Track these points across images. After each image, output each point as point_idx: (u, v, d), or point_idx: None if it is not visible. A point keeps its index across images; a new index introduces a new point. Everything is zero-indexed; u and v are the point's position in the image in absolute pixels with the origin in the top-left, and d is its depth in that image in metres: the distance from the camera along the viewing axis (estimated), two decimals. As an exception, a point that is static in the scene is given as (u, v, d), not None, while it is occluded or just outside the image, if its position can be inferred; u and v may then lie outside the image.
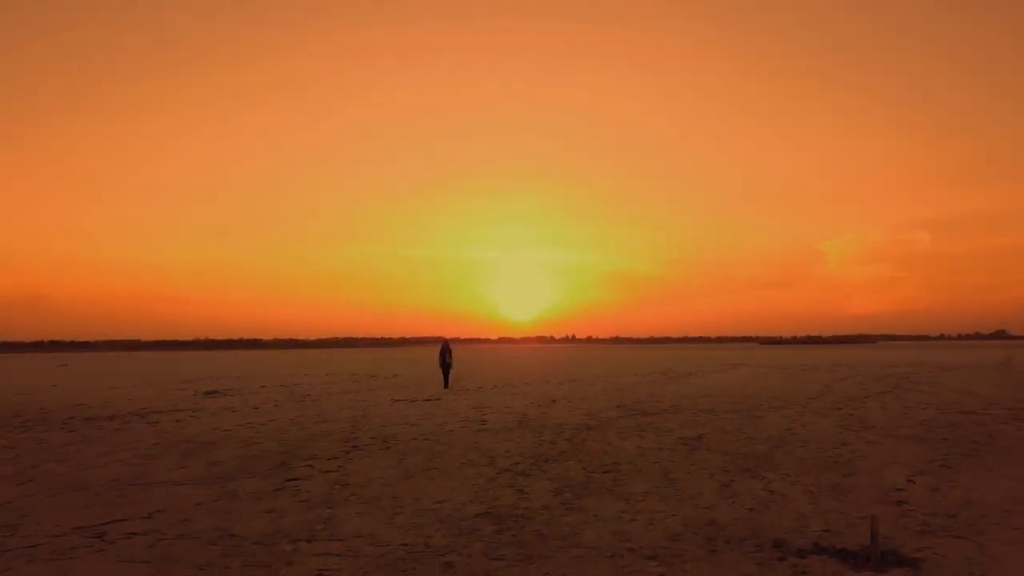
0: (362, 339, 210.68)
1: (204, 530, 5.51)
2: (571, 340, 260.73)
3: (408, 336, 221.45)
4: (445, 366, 21.69)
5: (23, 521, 5.88)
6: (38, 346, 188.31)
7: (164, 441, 10.55)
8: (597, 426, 11.73)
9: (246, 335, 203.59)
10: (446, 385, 21.41)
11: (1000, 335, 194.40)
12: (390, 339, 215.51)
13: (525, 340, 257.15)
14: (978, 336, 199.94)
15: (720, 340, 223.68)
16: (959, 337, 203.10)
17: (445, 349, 22.01)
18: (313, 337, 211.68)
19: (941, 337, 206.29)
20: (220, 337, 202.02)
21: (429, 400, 17.21)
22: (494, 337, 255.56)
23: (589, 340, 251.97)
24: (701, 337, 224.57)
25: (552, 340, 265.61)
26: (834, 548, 4.81)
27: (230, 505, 6.35)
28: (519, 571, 4.42)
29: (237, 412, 14.85)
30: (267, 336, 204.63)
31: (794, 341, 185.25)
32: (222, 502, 6.48)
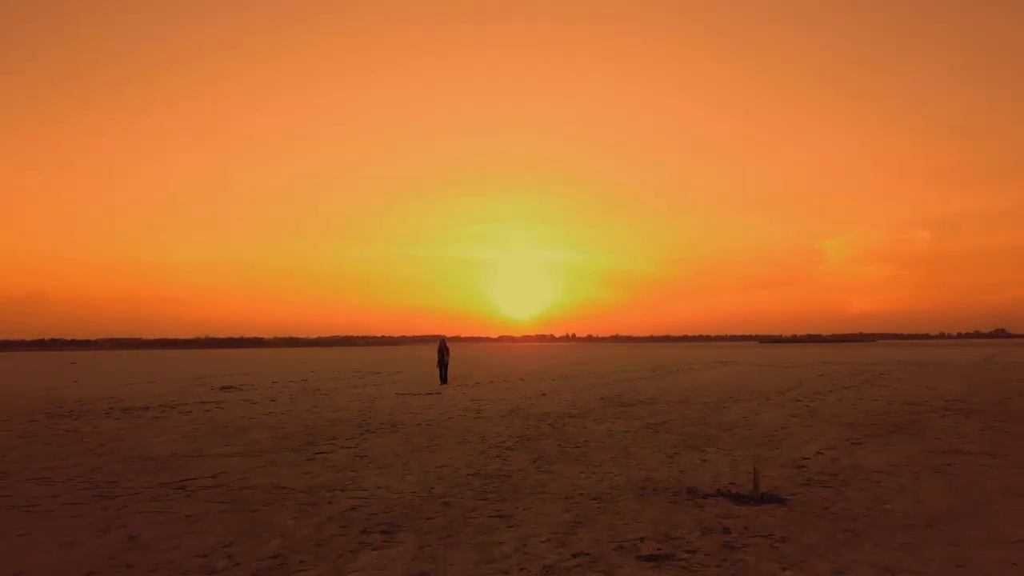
0: (362, 337, 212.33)
1: (260, 484, 7.26)
2: (571, 339, 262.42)
3: (408, 335, 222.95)
4: (442, 363, 23.38)
5: (118, 479, 7.63)
6: (39, 344, 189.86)
7: (203, 427, 12.30)
8: (578, 414, 13.47)
9: (246, 334, 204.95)
10: (443, 381, 23.10)
11: (1000, 334, 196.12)
12: (390, 337, 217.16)
13: (525, 339, 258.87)
14: (978, 335, 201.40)
15: (720, 339, 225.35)
16: (959, 336, 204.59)
17: (442, 347, 23.71)
18: (313, 336, 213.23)
19: (941, 336, 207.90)
20: (220, 336, 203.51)
21: (430, 394, 18.95)
22: (494, 336, 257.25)
23: (589, 339, 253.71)
24: (701, 336, 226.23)
25: (552, 339, 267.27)
26: (730, 493, 6.55)
27: (275, 469, 8.10)
28: (497, 507, 6.16)
29: (257, 404, 16.59)
30: (267, 335, 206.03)
31: (793, 340, 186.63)
32: (268, 467, 8.22)
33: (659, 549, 4.85)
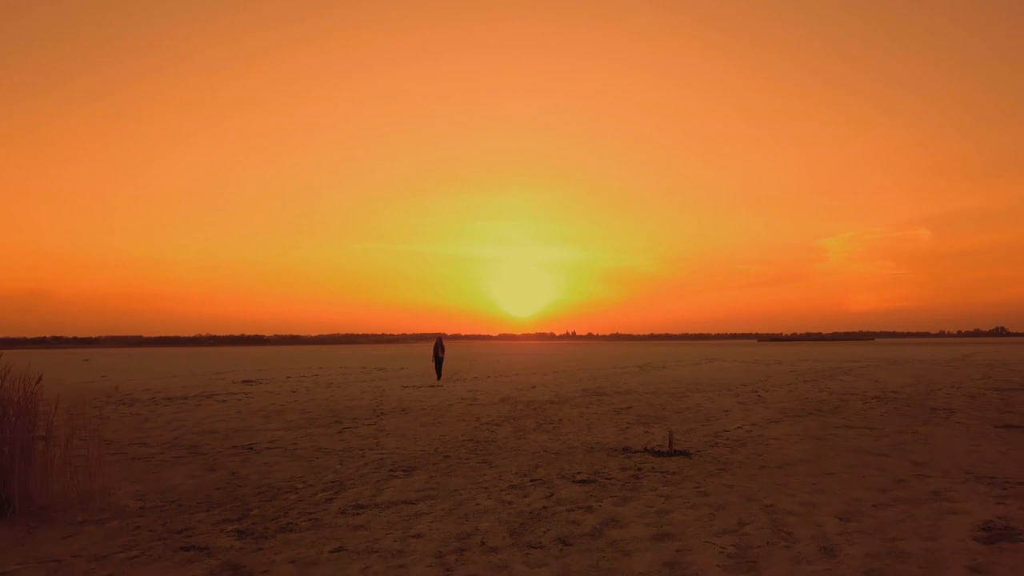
0: (363, 335, 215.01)
1: (307, 447, 9.80)
2: (571, 336, 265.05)
3: (409, 332, 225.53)
4: (438, 359, 25.77)
5: (198, 444, 10.17)
6: (42, 342, 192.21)
7: (242, 411, 14.85)
8: (559, 402, 16.02)
9: (247, 331, 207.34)
10: (439, 376, 25.53)
11: (999, 332, 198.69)
12: (391, 335, 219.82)
13: (525, 336, 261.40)
14: (978, 333, 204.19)
15: (720, 337, 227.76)
16: (959, 334, 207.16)
17: (439, 344, 26.15)
18: (314, 334, 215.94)
19: (941, 334, 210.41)
20: (221, 333, 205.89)
21: (432, 387, 21.51)
22: (495, 334, 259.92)
23: (589, 337, 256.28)
24: (701, 334, 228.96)
25: (552, 337, 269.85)
26: (653, 450, 9.08)
27: (314, 438, 10.65)
28: (483, 458, 8.69)
29: (280, 394, 19.13)
30: (268, 332, 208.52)
31: (793, 338, 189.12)
32: (308, 437, 10.78)
33: (588, 478, 7.40)
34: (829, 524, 5.47)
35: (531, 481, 7.26)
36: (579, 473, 7.65)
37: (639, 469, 7.83)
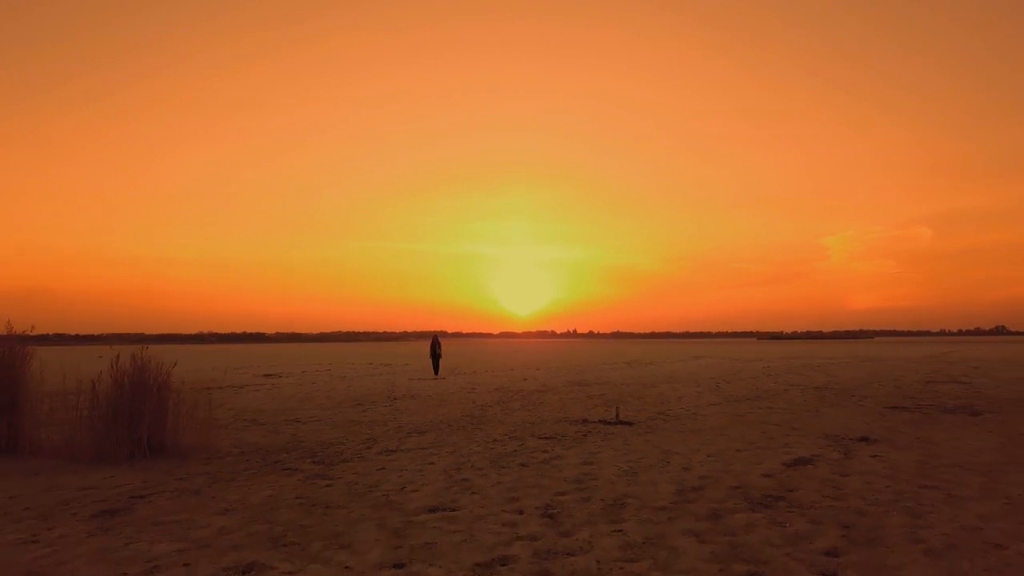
0: (363, 333, 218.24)
1: (341, 420, 12.86)
2: (572, 335, 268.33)
3: (410, 331, 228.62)
4: (435, 356, 28.62)
5: (257, 416, 13.23)
6: (44, 339, 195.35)
7: (277, 397, 17.91)
8: (544, 391, 19.08)
9: (248, 329, 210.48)
10: (436, 372, 28.41)
11: (999, 331, 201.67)
12: (392, 333, 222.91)
13: (527, 335, 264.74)
14: (978, 332, 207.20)
15: (720, 335, 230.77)
16: (959, 333, 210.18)
17: (436, 342, 29.04)
18: (315, 331, 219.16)
19: (941, 333, 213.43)
20: (223, 331, 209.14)
21: (436, 379, 24.59)
22: (496, 332, 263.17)
23: (590, 335, 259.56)
24: (702, 332, 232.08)
25: (553, 335, 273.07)
26: (604, 420, 12.14)
27: (345, 415, 13.71)
28: (476, 425, 11.74)
29: (303, 385, 22.20)
30: (269, 330, 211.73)
31: (793, 336, 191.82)
32: (340, 414, 13.84)
33: (549, 436, 10.45)
34: (697, 458, 8.52)
35: (509, 438, 10.32)
36: (544, 433, 10.71)
37: (588, 431, 10.89)
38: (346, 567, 4.66)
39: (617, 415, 12.06)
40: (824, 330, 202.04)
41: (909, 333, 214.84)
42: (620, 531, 5.41)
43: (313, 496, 6.72)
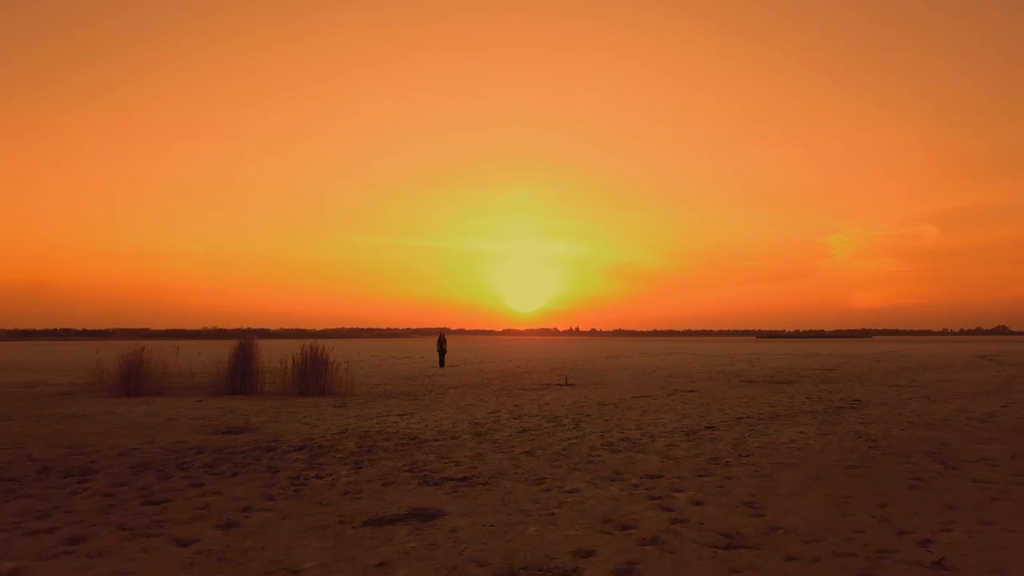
0: (367, 329, 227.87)
1: (408, 384, 22.35)
2: (575, 332, 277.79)
3: (414, 327, 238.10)
4: (441, 351, 37.69)
5: (361, 383, 22.76)
6: (52, 334, 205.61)
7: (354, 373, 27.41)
8: (529, 372, 28.53)
9: (253, 325, 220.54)
10: (441, 365, 36.16)
11: (1000, 331, 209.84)
12: (395, 329, 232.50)
13: (529, 332, 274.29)
14: (979, 331, 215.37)
15: (721, 333, 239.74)
16: (960, 332, 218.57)
17: (441, 338, 38.14)
18: (319, 328, 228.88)
19: (944, 332, 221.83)
20: (227, 327, 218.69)
21: (443, 369, 34.11)
22: (498, 329, 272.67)
23: (592, 332, 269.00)
24: (703, 330, 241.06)
25: (555, 332, 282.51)
26: (558, 384, 21.59)
27: (407, 385, 23.17)
28: (484, 384, 21.19)
29: (359, 371, 31.66)
30: (273, 326, 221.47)
31: (795, 335, 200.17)
32: (403, 385, 23.30)
33: (527, 389, 19.90)
34: (595, 396, 17.95)
35: (503, 390, 19.73)
36: (524, 387, 20.15)
37: (545, 390, 20.30)
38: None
39: (566, 380, 21.46)
40: (827, 328, 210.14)
41: (909, 332, 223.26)
42: (555, 422, 14.86)
43: (414, 405, 16.17)
